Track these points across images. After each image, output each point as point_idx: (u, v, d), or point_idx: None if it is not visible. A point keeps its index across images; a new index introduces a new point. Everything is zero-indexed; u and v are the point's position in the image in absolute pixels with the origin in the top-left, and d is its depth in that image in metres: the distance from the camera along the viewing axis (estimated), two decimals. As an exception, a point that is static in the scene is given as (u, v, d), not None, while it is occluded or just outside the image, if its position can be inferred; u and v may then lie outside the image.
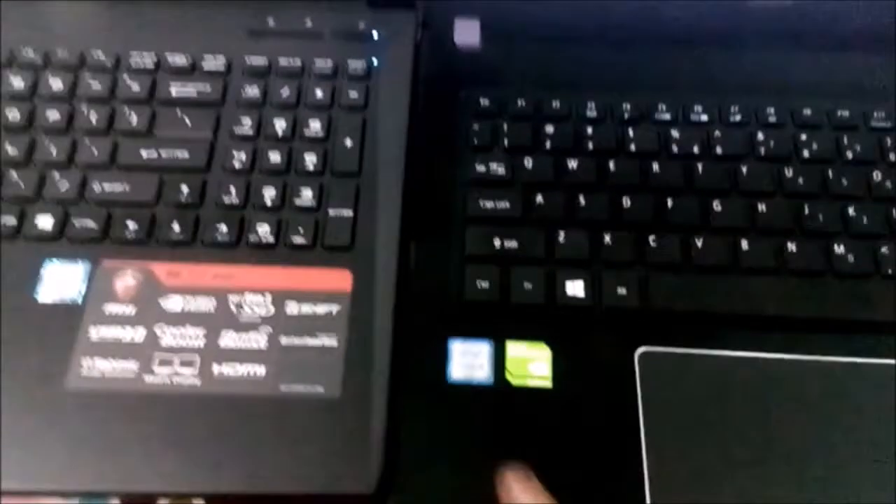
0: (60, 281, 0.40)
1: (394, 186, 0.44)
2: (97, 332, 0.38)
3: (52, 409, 0.36)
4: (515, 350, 0.39)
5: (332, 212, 0.42)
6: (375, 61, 0.48)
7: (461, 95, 0.48)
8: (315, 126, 0.45)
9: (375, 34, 0.49)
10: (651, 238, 0.42)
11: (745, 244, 0.42)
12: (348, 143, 0.45)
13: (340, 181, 0.44)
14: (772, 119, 0.47)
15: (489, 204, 0.44)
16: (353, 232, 0.42)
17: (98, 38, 0.48)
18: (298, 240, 0.41)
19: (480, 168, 0.45)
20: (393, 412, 0.37)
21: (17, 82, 0.46)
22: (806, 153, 0.45)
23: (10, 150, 0.43)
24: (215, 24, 0.49)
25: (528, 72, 0.50)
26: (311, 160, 0.44)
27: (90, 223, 0.41)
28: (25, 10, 0.49)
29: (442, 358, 0.39)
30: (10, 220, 0.41)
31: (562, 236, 0.43)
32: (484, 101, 0.48)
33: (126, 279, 0.40)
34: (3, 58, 0.46)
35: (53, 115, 0.45)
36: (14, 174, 0.43)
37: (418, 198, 0.44)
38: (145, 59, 0.47)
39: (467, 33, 0.51)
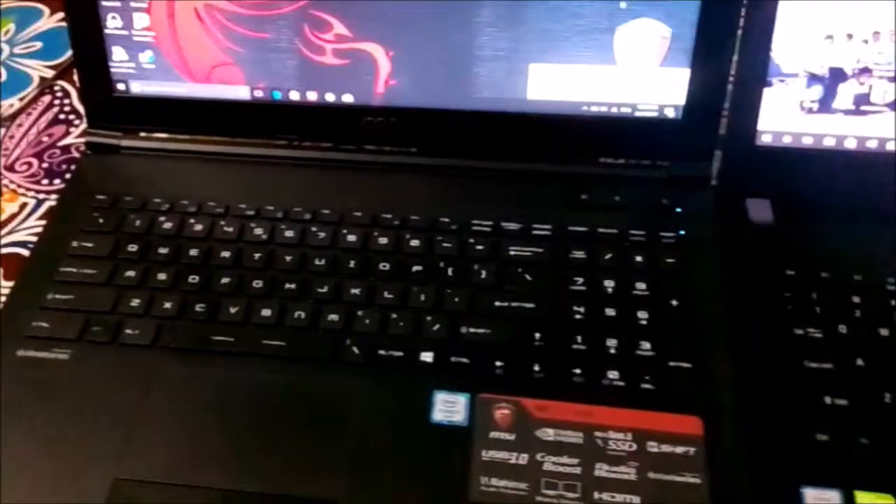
0: (447, 408, 0.45)
1: (722, 341, 0.49)
2: (488, 454, 0.43)
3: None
4: (864, 500, 0.42)
5: (671, 363, 0.47)
6: (683, 232, 0.54)
7: (765, 265, 0.53)
8: (641, 286, 0.51)
9: (678, 209, 0.56)
10: None
11: None
12: (674, 302, 0.50)
13: (674, 335, 0.49)
14: None
15: (812, 364, 0.48)
16: (694, 382, 0.47)
17: (442, 206, 0.56)
18: (646, 386, 0.46)
19: (798, 332, 0.50)
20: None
21: (383, 240, 0.54)
22: None
23: (388, 295, 0.51)
24: (538, 196, 0.57)
25: (818, 246, 0.55)
26: (643, 316, 0.50)
27: (464, 360, 0.47)
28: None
29: (795, 502, 0.42)
30: (398, 353, 0.48)
31: (888, 397, 0.46)
32: (790, 272, 0.53)
33: (502, 410, 0.45)
34: (369, 219, 0.55)
35: (417, 267, 0.52)
36: (394, 316, 0.49)
37: (744, 352, 0.48)
38: (484, 225, 0.55)
39: (760, 211, 0.57)
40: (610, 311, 0.50)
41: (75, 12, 0.56)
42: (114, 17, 0.56)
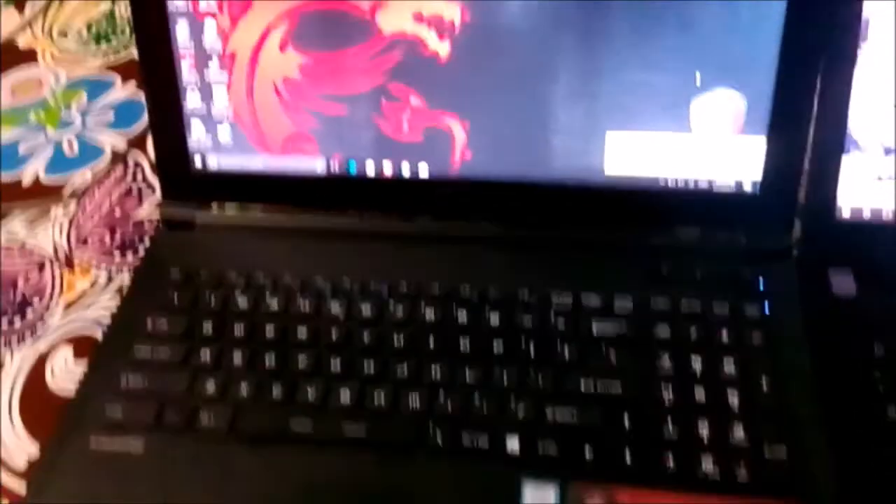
0: (537, 498, 0.44)
1: (816, 423, 0.47)
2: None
3: None
4: None
5: (766, 450, 0.45)
6: (766, 306, 0.52)
7: (852, 341, 0.51)
8: (729, 367, 0.50)
9: (761, 282, 0.54)
10: None
11: None
12: (765, 383, 0.49)
13: (767, 420, 0.47)
14: None
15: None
16: (791, 468, 0.45)
17: (520, 280, 0.55)
18: (742, 473, 0.44)
19: (892, 413, 0.47)
20: None
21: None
22: None
23: (470, 376, 0.50)
24: (616, 269, 0.55)
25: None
26: (733, 399, 0.48)
27: (551, 445, 0.46)
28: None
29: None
30: (483, 438, 0.47)
31: None
32: (878, 349, 0.51)
33: (595, 500, 0.43)
34: (447, 294, 0.54)
35: (499, 346, 0.51)
36: (477, 398, 0.48)
37: (839, 433, 0.46)
38: (565, 300, 0.53)
39: (843, 283, 0.55)
40: (699, 394, 0.48)
41: (155, 90, 0.57)
42: (193, 95, 0.56)
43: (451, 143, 0.56)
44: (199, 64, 0.56)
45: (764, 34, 0.51)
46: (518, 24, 0.53)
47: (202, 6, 0.55)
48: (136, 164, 0.69)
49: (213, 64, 0.56)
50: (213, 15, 0.55)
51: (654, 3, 0.51)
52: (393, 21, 0.54)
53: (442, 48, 0.54)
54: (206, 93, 0.56)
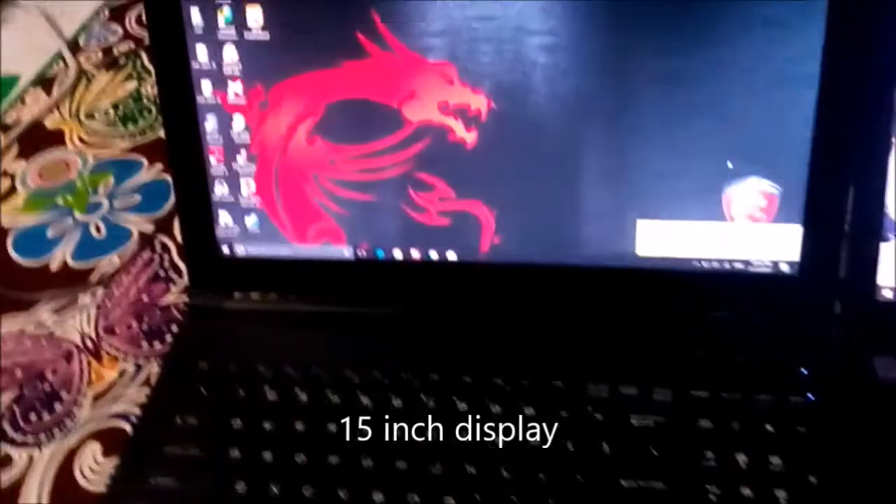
0: None
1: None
2: None
3: None
4: None
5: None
6: (810, 394, 0.51)
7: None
8: (776, 461, 0.48)
9: (802, 369, 0.53)
10: None
11: None
12: (813, 479, 0.47)
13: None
14: None
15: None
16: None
17: (552, 368, 0.54)
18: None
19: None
20: None
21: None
22: None
23: (506, 474, 0.49)
24: (652, 355, 0.54)
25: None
26: (782, 496, 0.46)
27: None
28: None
29: None
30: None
31: None
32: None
33: None
34: (480, 384, 0.53)
35: (535, 441, 0.50)
36: (514, 499, 0.47)
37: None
38: (601, 391, 0.52)
39: (887, 369, 0.54)
40: (746, 492, 0.46)
41: (183, 180, 0.57)
42: (221, 185, 0.56)
43: (479, 228, 0.55)
44: (228, 156, 0.56)
45: (796, 123, 0.51)
46: (545, 112, 0.52)
47: (231, 100, 0.54)
48: (163, 247, 0.69)
49: (241, 156, 0.56)
50: (242, 109, 0.55)
51: (684, 92, 0.50)
52: (420, 112, 0.53)
53: (469, 137, 0.53)
54: (234, 183, 0.56)
